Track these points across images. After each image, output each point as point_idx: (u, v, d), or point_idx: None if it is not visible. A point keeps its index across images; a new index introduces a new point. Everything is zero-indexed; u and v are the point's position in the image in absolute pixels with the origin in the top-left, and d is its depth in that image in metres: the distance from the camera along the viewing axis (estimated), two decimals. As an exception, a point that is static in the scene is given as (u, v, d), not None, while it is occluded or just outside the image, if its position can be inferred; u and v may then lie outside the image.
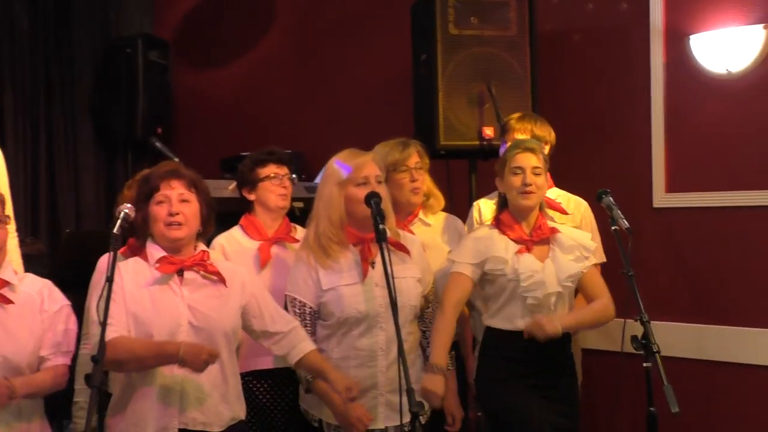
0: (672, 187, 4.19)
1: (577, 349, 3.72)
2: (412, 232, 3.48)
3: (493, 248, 3.25)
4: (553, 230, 3.32)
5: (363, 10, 5.27)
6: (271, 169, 3.50)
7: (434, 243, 3.59)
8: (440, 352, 3.17)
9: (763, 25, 3.89)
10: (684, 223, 4.16)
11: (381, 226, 2.94)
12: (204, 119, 5.88)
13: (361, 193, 3.07)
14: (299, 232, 3.53)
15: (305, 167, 4.88)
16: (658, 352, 2.91)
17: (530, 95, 4.20)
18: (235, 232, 3.49)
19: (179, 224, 2.86)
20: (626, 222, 3.12)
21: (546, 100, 4.27)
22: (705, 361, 4.07)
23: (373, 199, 3.02)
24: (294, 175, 3.63)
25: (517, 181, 3.25)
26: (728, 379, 4.02)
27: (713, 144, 4.08)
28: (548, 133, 3.70)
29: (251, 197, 3.53)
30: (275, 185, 3.50)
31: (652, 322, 3.00)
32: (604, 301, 3.27)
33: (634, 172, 4.28)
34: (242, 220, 3.53)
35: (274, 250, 3.46)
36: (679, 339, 4.06)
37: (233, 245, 3.44)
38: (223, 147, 5.30)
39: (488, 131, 4.08)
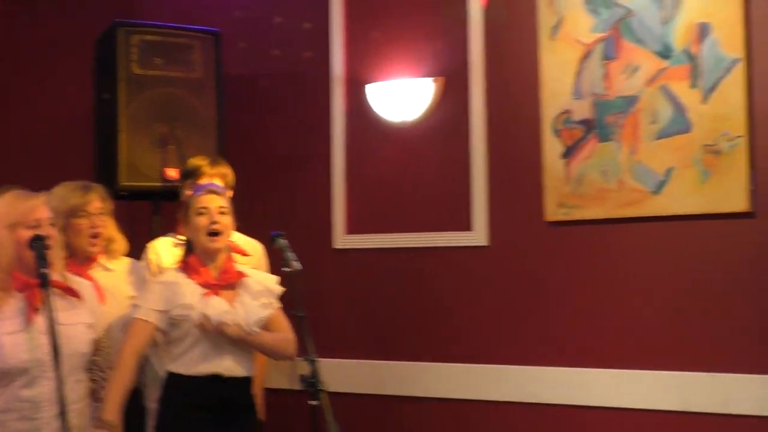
0: (352, 228, 4.37)
1: (260, 388, 3.76)
2: (91, 278, 3.37)
3: (179, 294, 3.22)
4: (241, 274, 3.34)
5: (44, 41, 4.97)
6: None
7: (116, 289, 3.51)
8: (112, 407, 3.07)
9: (432, 78, 4.16)
10: (363, 264, 4.33)
11: (43, 270, 2.81)
12: None
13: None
14: None
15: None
16: (324, 390, 3.00)
17: (215, 137, 4.22)
18: None
19: None
20: (298, 263, 3.20)
21: (233, 143, 4.31)
22: (385, 396, 4.22)
23: (36, 242, 2.88)
24: None
25: (203, 221, 3.25)
26: (406, 413, 4.18)
27: (390, 188, 4.30)
28: (233, 178, 3.74)
29: None
30: None
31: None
32: (288, 336, 3.32)
33: (317, 215, 4.41)
34: None
35: None
36: (360, 375, 4.21)
37: None
38: None
39: (171, 172, 4.04)
